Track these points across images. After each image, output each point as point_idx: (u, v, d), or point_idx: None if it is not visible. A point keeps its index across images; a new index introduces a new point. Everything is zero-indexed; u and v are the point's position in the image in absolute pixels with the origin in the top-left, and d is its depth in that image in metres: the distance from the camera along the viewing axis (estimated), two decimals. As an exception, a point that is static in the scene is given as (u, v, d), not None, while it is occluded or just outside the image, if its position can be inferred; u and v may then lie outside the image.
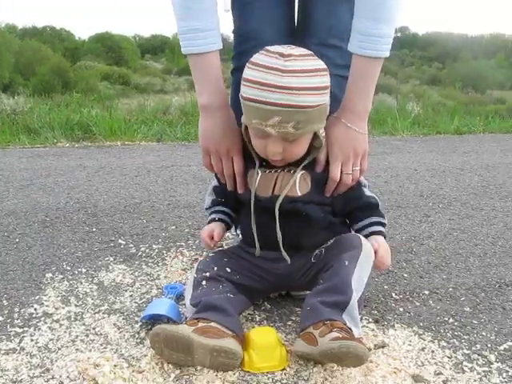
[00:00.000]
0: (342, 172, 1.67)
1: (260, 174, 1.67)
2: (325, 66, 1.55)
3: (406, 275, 2.06)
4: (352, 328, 1.45)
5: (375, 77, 1.67)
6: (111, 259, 2.20)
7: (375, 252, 1.67)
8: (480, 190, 3.41)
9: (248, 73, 1.52)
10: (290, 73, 1.45)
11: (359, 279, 1.55)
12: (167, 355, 1.41)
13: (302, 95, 1.45)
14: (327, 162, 1.68)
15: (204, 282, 1.61)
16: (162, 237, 2.47)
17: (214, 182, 1.89)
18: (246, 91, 1.52)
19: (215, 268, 1.66)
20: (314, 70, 1.50)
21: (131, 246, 2.35)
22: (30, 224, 2.63)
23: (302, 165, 1.64)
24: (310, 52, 1.55)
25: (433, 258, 2.24)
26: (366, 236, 1.72)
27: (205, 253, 2.22)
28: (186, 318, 1.58)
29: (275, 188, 1.64)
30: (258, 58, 1.51)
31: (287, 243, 1.67)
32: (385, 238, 1.75)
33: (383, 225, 1.78)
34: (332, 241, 1.69)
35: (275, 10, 1.87)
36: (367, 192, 1.78)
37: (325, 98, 1.54)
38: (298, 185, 1.63)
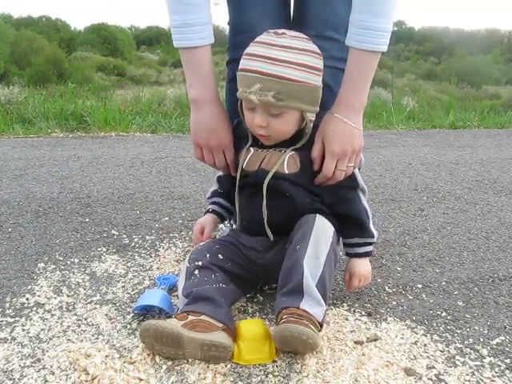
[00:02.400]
0: (335, 167, 1.66)
1: (252, 152, 1.70)
2: (319, 51, 1.61)
3: (399, 269, 2.06)
4: (313, 310, 1.44)
5: (372, 71, 1.66)
6: (104, 250, 2.19)
7: (350, 278, 1.75)
8: (474, 184, 3.41)
9: (246, 49, 1.60)
10: (277, 46, 1.54)
11: (314, 257, 1.52)
12: (158, 349, 1.40)
13: (285, 67, 1.52)
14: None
15: (196, 272, 1.61)
16: (156, 228, 2.46)
17: (219, 172, 1.92)
18: (240, 63, 1.61)
19: (208, 255, 1.66)
20: (304, 50, 1.56)
21: (124, 236, 2.34)
22: (23, 214, 2.62)
23: (293, 147, 1.65)
24: (306, 37, 1.61)
25: (426, 251, 2.24)
26: (351, 255, 1.77)
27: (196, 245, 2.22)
28: (178, 309, 1.58)
29: (262, 163, 1.66)
30: (259, 37, 1.59)
31: (273, 227, 1.68)
32: (371, 255, 1.79)
33: (371, 244, 1.77)
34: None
35: (271, 1, 1.86)
36: (363, 200, 1.74)
37: (313, 78, 1.57)
38: (286, 162, 1.64)
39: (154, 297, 1.64)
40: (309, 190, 1.68)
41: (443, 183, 3.41)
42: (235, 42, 1.92)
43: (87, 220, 2.55)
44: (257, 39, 1.59)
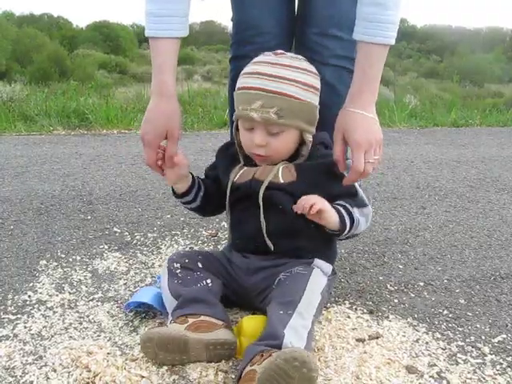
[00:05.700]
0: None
1: (244, 169, 1.65)
2: (316, 71, 1.61)
3: (401, 266, 2.06)
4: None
5: (382, 63, 1.65)
6: (106, 247, 2.19)
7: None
8: (476, 182, 3.41)
9: (244, 69, 1.59)
10: (278, 65, 1.53)
11: (301, 318, 1.38)
12: (162, 358, 1.37)
13: (285, 84, 1.52)
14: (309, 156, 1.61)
15: (178, 271, 1.60)
16: (157, 225, 2.46)
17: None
18: (238, 83, 1.59)
19: (186, 260, 1.64)
20: (303, 69, 1.56)
21: (126, 234, 2.35)
22: (25, 211, 2.62)
23: (285, 160, 1.61)
24: (303, 57, 1.61)
25: (428, 249, 2.24)
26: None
27: (199, 243, 2.22)
28: (168, 311, 1.54)
29: (255, 175, 1.61)
30: (256, 57, 1.59)
31: (271, 240, 1.60)
32: (343, 221, 1.56)
33: (351, 215, 1.58)
34: (286, 275, 1.55)
35: None
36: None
37: (311, 97, 1.57)
38: (280, 172, 1.59)
39: (147, 294, 1.64)
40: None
41: (445, 181, 3.41)
42: (239, 39, 1.92)
43: (89, 217, 2.55)
44: (255, 60, 1.58)
